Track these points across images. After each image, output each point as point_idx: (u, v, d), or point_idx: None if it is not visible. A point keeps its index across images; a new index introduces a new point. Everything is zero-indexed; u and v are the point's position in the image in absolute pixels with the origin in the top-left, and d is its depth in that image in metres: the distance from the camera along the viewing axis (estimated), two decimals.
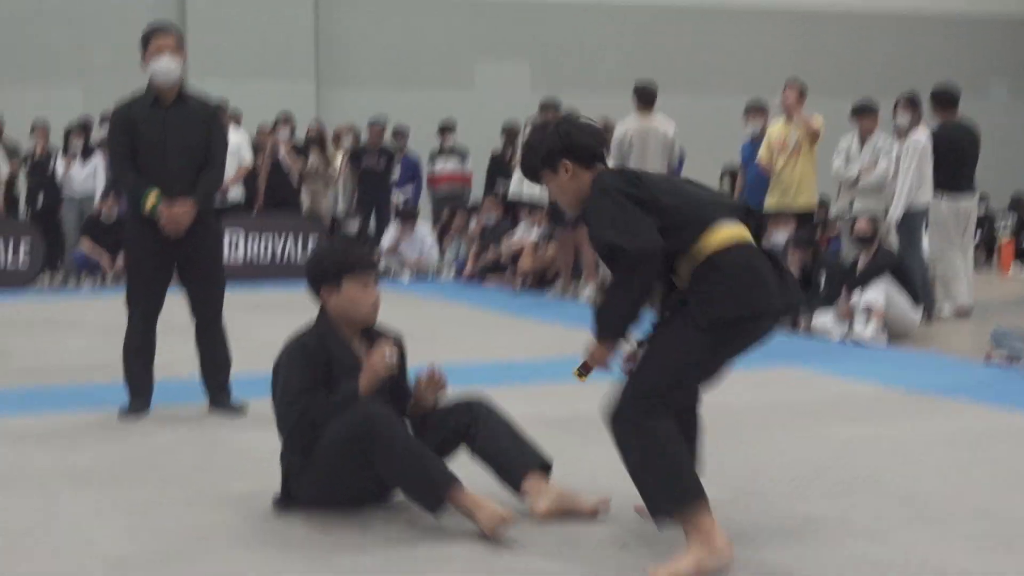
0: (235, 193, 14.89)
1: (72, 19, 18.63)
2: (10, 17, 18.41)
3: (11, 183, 15.42)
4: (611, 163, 13.48)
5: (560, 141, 4.11)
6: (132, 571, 3.93)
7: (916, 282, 9.88)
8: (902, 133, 11.14)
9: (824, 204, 15.08)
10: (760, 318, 3.91)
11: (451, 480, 4.19)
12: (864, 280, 9.49)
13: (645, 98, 12.14)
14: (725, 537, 3.80)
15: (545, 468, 4.51)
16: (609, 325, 3.95)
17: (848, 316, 9.37)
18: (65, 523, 4.31)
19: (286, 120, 16.01)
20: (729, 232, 3.94)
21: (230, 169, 12.21)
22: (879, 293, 9.30)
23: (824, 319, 9.58)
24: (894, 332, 9.38)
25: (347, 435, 4.26)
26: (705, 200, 4.06)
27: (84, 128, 15.47)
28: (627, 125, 12.13)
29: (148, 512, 4.55)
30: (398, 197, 16.61)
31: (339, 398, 4.33)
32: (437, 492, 4.17)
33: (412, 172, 16.98)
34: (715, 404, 6.78)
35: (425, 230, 15.85)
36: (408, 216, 15.53)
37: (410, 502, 4.30)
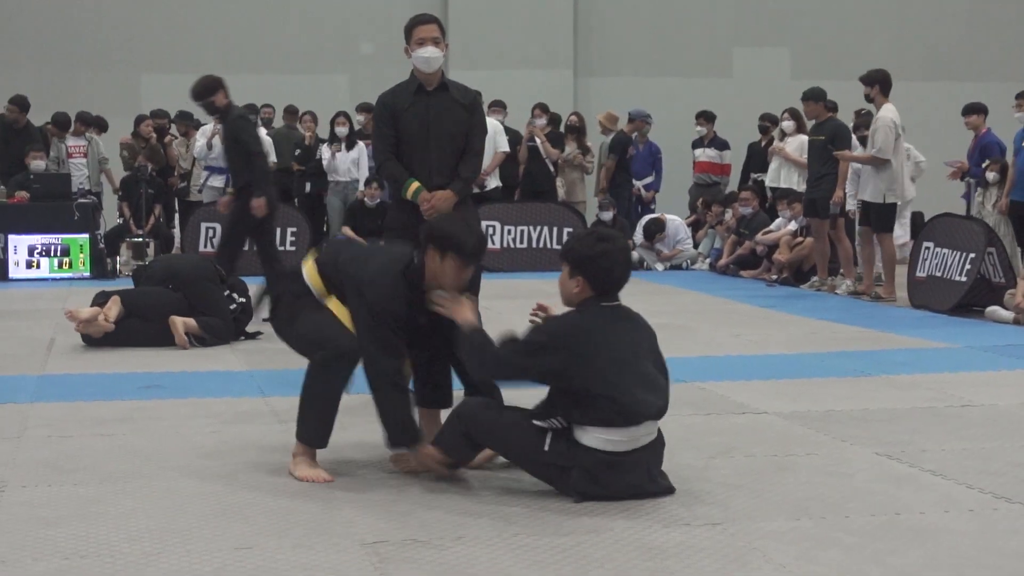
0: (492, 180, 15.06)
1: (338, 10, 19.26)
2: (279, 8, 19.16)
3: (288, 171, 15.99)
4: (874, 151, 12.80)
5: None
6: (388, 548, 4.04)
7: None
8: None
9: None
10: None
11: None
12: None
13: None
14: None
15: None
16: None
17: None
18: (326, 503, 4.47)
19: (544, 109, 16.15)
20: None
21: (487, 156, 12.38)
22: None
23: None
24: None
25: None
26: None
27: (347, 116, 15.92)
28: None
29: (405, 490, 4.66)
30: (635, 186, 16.56)
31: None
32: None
33: (651, 160, 16.84)
34: (982, 405, 6.57)
35: (679, 221, 15.75)
36: (653, 232, 15.44)
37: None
